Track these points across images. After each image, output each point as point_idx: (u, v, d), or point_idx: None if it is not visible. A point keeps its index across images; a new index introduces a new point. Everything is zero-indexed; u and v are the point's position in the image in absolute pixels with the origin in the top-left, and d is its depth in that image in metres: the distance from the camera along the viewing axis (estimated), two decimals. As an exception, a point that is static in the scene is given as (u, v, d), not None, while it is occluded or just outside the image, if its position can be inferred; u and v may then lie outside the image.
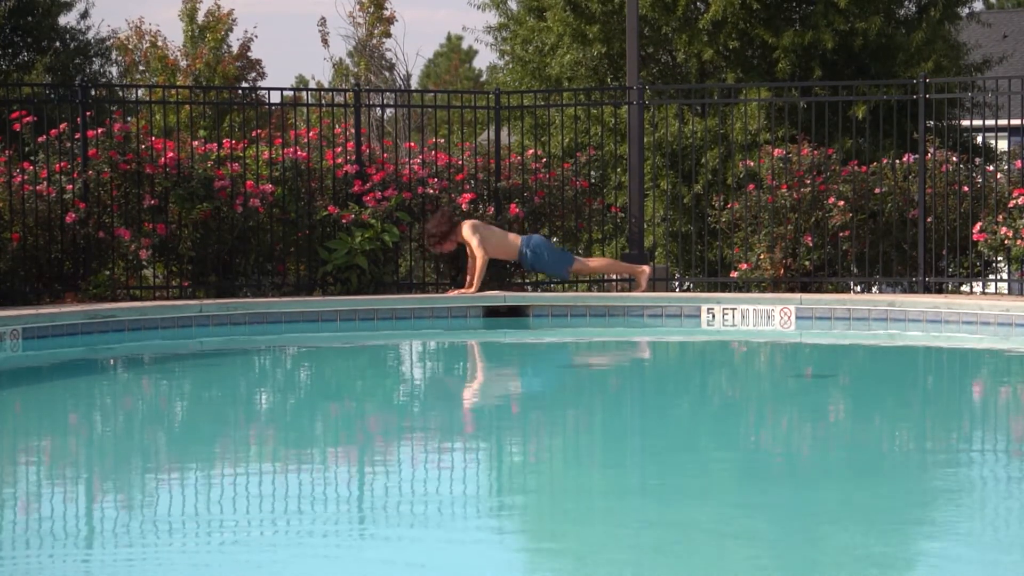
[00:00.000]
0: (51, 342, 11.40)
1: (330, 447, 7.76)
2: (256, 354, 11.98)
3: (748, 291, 13.93)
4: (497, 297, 13.21)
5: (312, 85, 32.30)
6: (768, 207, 14.11)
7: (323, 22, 26.86)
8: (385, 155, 14.76)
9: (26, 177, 12.99)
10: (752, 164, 15.15)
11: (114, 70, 28.46)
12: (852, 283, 14.34)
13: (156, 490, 6.42)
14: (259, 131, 14.71)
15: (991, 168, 14.51)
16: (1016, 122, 16.47)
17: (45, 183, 13.01)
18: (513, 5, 22.07)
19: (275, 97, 14.62)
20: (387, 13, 26.32)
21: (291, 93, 17.68)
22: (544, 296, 13.49)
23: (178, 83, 23.52)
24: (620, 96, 16.43)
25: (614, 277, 14.64)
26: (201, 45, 25.14)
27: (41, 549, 5.34)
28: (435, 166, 14.45)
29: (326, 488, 6.46)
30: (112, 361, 11.30)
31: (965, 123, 19.64)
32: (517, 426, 8.49)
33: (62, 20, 28.28)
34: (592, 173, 15.89)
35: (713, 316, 12.80)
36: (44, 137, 13.20)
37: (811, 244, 13.96)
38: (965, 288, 14.12)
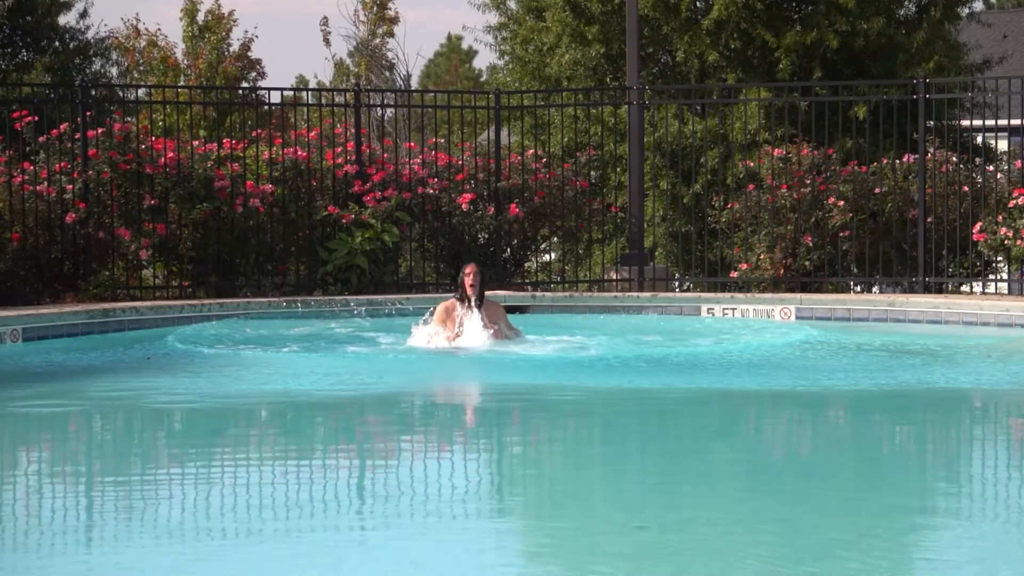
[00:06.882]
0: (51, 342, 11.40)
1: (330, 445, 7.77)
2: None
3: (748, 291, 13.93)
4: (497, 297, 13.20)
5: (312, 85, 32.32)
6: (768, 207, 14.12)
7: (325, 22, 26.81)
8: (385, 155, 14.77)
9: (26, 177, 12.99)
10: (752, 164, 15.15)
11: (114, 70, 28.46)
12: (852, 283, 14.34)
13: (155, 489, 6.42)
14: (259, 131, 14.72)
15: (991, 168, 14.51)
16: (1016, 122, 16.46)
17: (45, 183, 13.01)
18: (513, 5, 22.08)
19: (275, 97, 14.63)
20: (390, 13, 26.32)
21: (291, 93, 17.68)
22: (544, 296, 13.49)
23: (180, 83, 23.52)
24: (620, 96, 16.43)
25: (614, 276, 14.63)
26: (202, 45, 25.11)
27: (41, 547, 5.35)
28: (435, 166, 14.45)
29: (326, 485, 6.47)
30: (112, 361, 11.28)
31: (965, 123, 19.64)
32: (516, 426, 8.49)
33: (62, 20, 28.28)
34: (592, 173, 15.89)
35: (713, 316, 12.79)
36: (44, 137, 13.21)
37: (811, 244, 13.96)
38: (965, 288, 14.12)
